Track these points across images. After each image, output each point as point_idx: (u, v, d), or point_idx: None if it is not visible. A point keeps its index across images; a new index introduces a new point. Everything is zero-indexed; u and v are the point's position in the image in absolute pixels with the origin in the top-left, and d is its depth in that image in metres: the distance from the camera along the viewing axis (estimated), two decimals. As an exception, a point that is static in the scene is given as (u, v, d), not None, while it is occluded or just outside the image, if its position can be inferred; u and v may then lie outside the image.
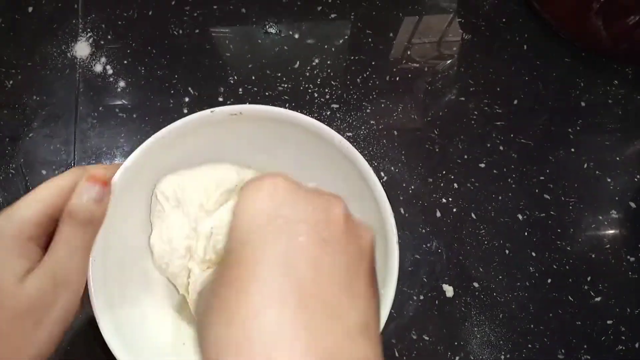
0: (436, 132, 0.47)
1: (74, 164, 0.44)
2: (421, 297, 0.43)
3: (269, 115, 0.32)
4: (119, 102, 0.46)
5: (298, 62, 0.47)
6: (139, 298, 0.33)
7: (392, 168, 0.46)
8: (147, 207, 0.35)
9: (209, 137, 0.34)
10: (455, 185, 0.45)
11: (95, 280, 0.29)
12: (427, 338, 0.42)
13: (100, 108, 0.45)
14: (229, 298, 0.20)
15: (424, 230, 0.44)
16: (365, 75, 0.47)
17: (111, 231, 0.30)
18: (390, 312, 0.42)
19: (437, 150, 0.46)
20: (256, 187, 0.23)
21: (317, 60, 0.48)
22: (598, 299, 0.44)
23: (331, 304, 0.20)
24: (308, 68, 0.47)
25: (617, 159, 0.47)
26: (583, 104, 0.48)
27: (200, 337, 0.21)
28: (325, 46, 0.48)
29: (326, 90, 0.47)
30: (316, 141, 0.33)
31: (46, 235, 0.27)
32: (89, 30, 0.47)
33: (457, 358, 0.42)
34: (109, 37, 0.47)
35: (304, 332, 0.19)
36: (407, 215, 0.45)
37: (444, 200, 0.45)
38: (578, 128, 0.47)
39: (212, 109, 0.32)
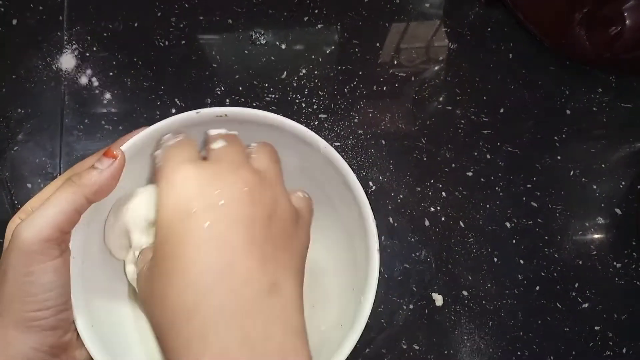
0: (424, 141, 0.47)
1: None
2: (411, 307, 0.43)
3: (254, 118, 0.32)
4: (105, 114, 0.45)
5: (285, 73, 0.47)
6: (117, 298, 0.33)
7: (381, 177, 0.46)
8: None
9: (194, 138, 0.34)
10: (444, 194, 0.46)
11: (74, 278, 0.29)
12: (417, 347, 0.43)
13: (86, 120, 0.45)
14: (164, 289, 0.25)
15: (412, 240, 0.45)
16: (352, 84, 0.48)
17: (93, 230, 0.30)
18: (380, 322, 0.43)
19: (425, 159, 0.46)
20: (170, 185, 0.26)
21: (304, 71, 0.48)
22: (585, 305, 0.44)
23: (241, 273, 0.24)
24: (295, 78, 0.47)
25: (603, 165, 0.47)
26: (568, 111, 0.48)
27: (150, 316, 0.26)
28: (313, 56, 0.48)
29: (314, 100, 0.47)
30: (301, 146, 0.33)
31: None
32: (74, 42, 0.47)
33: (447, 367, 0.42)
34: (95, 49, 0.47)
35: (220, 300, 0.23)
36: (395, 224, 0.45)
37: (432, 209, 0.45)
38: (564, 136, 0.48)
39: (197, 110, 0.32)
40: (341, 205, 0.34)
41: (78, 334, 0.29)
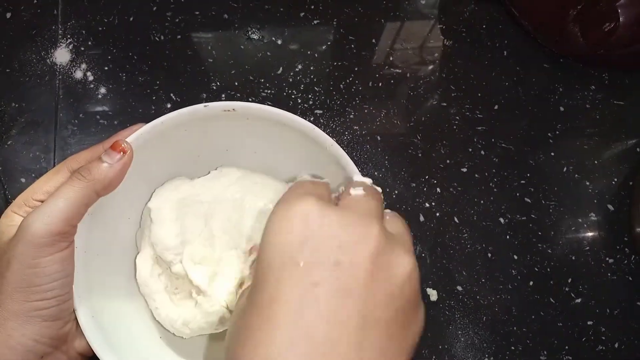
0: (419, 137, 0.47)
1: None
2: (405, 302, 0.43)
3: (263, 114, 0.32)
4: (100, 109, 0.45)
5: (281, 68, 0.47)
6: (117, 289, 0.33)
7: (376, 173, 0.46)
8: (135, 198, 0.35)
9: (200, 132, 0.34)
10: (438, 189, 0.46)
11: (76, 269, 0.29)
12: (411, 342, 0.43)
13: (81, 115, 0.45)
14: (250, 334, 0.21)
15: (407, 235, 0.45)
16: (348, 81, 0.48)
17: (97, 221, 0.31)
18: (375, 316, 0.43)
19: (420, 155, 0.47)
20: (285, 217, 0.22)
21: (300, 66, 0.48)
22: (578, 300, 0.45)
23: (329, 357, 0.20)
24: (291, 74, 0.47)
25: (596, 162, 0.48)
26: (562, 108, 0.49)
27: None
28: (308, 52, 0.48)
29: (309, 96, 0.47)
30: (307, 142, 0.33)
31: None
32: (69, 36, 0.47)
33: (441, 361, 0.42)
34: (90, 43, 0.47)
35: None
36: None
37: (427, 205, 0.45)
38: (557, 132, 0.48)
39: (205, 104, 0.32)
40: None
41: (77, 324, 0.29)
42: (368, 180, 0.27)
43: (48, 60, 0.46)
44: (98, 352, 0.29)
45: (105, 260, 0.32)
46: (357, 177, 0.27)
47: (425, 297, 0.43)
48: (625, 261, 0.46)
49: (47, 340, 0.27)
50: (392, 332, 0.21)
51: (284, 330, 0.20)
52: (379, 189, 0.26)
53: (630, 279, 0.45)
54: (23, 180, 0.43)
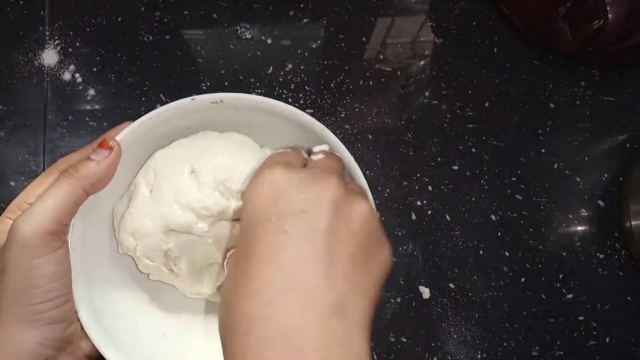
0: (410, 135, 0.47)
1: (43, 174, 0.43)
2: (398, 300, 0.44)
3: (251, 103, 0.32)
4: (89, 110, 0.45)
5: (271, 68, 0.47)
6: (118, 287, 0.33)
7: (367, 172, 0.46)
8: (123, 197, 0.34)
9: (189, 126, 0.34)
10: (430, 187, 0.46)
11: (74, 270, 0.29)
12: (404, 340, 0.43)
13: (70, 117, 0.45)
14: (235, 281, 0.25)
15: (399, 233, 0.45)
16: (338, 79, 0.48)
17: (90, 221, 0.30)
18: (368, 315, 0.43)
19: (411, 153, 0.47)
20: (257, 185, 0.26)
21: (290, 65, 0.47)
22: (570, 296, 0.45)
23: (307, 290, 0.23)
24: (281, 73, 0.47)
25: (586, 158, 0.48)
26: (552, 105, 0.49)
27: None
28: (299, 51, 0.48)
29: (300, 95, 0.47)
30: (297, 129, 0.33)
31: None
32: (56, 37, 0.46)
33: (434, 359, 0.43)
34: (78, 44, 0.46)
35: (280, 315, 0.22)
36: (382, 218, 0.45)
37: (418, 203, 0.46)
38: (548, 129, 0.48)
39: (192, 97, 0.31)
40: None
41: (82, 324, 0.29)
42: (326, 147, 0.31)
43: (36, 62, 0.45)
44: (103, 351, 0.29)
45: (103, 259, 0.32)
46: (317, 147, 0.31)
47: (417, 295, 0.44)
48: (616, 256, 0.46)
49: (52, 342, 0.27)
50: (356, 262, 0.24)
51: (261, 270, 0.23)
52: (338, 153, 0.31)
53: (620, 274, 0.46)
54: (12, 183, 0.43)
